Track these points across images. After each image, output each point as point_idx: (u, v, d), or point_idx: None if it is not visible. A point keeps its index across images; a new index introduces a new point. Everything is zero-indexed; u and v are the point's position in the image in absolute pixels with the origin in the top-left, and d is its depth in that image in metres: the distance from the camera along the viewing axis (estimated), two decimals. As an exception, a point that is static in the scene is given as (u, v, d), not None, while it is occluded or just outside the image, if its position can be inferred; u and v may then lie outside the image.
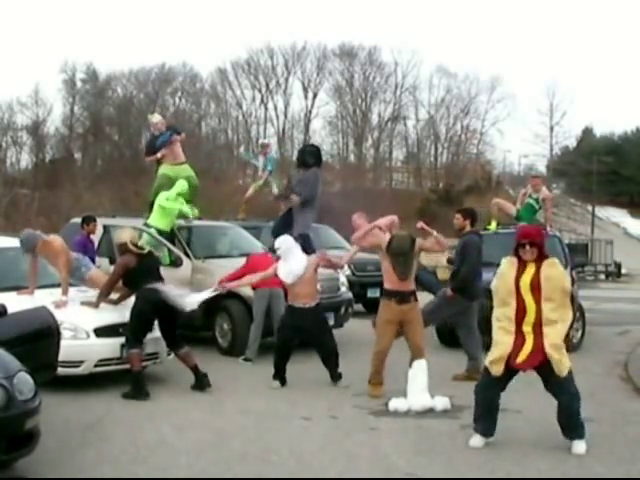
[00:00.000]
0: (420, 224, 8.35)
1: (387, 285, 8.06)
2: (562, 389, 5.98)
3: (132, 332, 7.97)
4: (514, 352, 5.91)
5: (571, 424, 6.07)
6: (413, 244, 7.92)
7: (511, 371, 6.06)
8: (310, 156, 10.66)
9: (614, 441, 6.49)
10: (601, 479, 5.61)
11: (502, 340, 5.96)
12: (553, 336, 5.84)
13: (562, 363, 5.91)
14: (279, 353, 8.58)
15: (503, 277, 6.03)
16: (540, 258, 5.97)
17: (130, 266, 8.18)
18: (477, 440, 6.19)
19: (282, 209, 11.68)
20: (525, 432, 6.66)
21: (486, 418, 6.16)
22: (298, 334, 8.60)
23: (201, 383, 8.15)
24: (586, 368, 9.69)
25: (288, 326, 8.54)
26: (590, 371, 9.70)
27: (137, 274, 8.17)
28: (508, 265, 6.05)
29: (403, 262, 7.85)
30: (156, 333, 8.17)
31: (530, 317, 5.88)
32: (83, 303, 8.30)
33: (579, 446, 6.04)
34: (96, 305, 8.27)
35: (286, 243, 8.62)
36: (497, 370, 5.99)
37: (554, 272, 5.92)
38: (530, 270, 5.93)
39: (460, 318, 9.17)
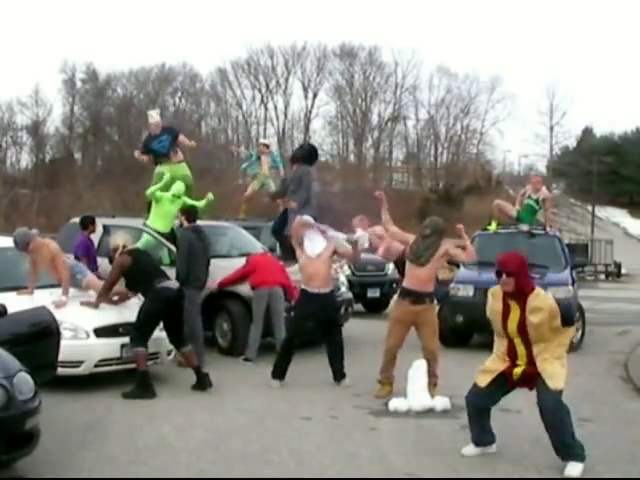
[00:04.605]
0: (460, 227, 8.07)
1: (404, 283, 8.00)
2: (547, 395, 5.56)
3: (139, 330, 7.95)
4: (507, 371, 5.78)
5: (561, 443, 5.62)
6: (442, 230, 7.87)
7: (504, 385, 5.86)
8: (301, 153, 11.01)
9: (614, 441, 6.49)
10: (601, 479, 5.61)
11: (496, 360, 5.84)
12: (544, 362, 5.62)
13: (556, 375, 5.60)
14: (284, 349, 8.53)
15: (491, 314, 5.82)
16: (522, 291, 5.61)
17: (126, 266, 8.17)
18: (470, 449, 6.01)
19: (280, 209, 11.71)
20: (525, 432, 6.64)
21: (476, 427, 5.99)
22: (306, 327, 8.57)
23: (202, 383, 8.15)
24: (586, 368, 9.69)
25: (302, 318, 8.52)
26: (590, 371, 9.70)
27: (137, 274, 8.17)
28: (492, 300, 5.80)
29: (425, 246, 7.76)
30: (156, 333, 8.17)
31: (522, 357, 5.72)
32: (83, 303, 8.31)
33: (573, 468, 5.57)
34: (95, 305, 8.28)
35: (309, 221, 8.69)
36: (481, 380, 5.85)
37: (539, 318, 5.56)
38: (515, 314, 5.64)
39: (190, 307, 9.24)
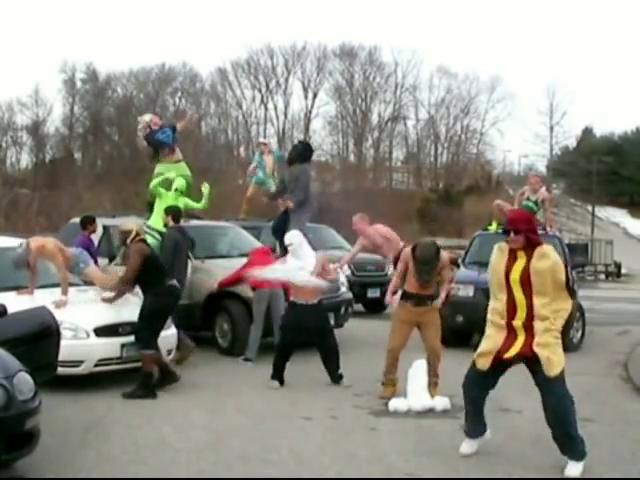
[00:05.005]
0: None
1: (406, 287, 7.98)
2: (549, 388, 5.55)
3: (149, 330, 7.91)
4: (504, 348, 5.61)
5: (564, 434, 5.57)
6: (438, 252, 7.79)
7: (500, 367, 5.74)
8: (295, 153, 11.08)
9: (614, 441, 6.49)
10: (601, 479, 5.61)
11: (492, 335, 5.68)
12: (543, 335, 5.49)
13: (551, 361, 5.48)
14: (280, 354, 8.56)
15: (494, 268, 5.72)
16: (531, 245, 5.59)
17: (144, 255, 8.08)
18: (466, 446, 5.95)
19: (281, 208, 11.70)
20: (525, 432, 6.65)
21: (471, 416, 5.91)
22: (300, 334, 8.59)
23: (163, 379, 8.08)
24: (586, 368, 9.70)
25: (290, 326, 8.53)
26: (590, 371, 9.70)
27: (148, 269, 8.08)
28: (498, 253, 5.72)
29: (427, 270, 7.74)
30: None
31: (521, 313, 5.56)
32: (104, 299, 8.32)
33: (572, 468, 5.53)
34: (118, 296, 8.30)
35: (297, 238, 8.64)
36: (483, 364, 5.71)
37: (544, 265, 5.51)
38: (520, 263, 5.57)
39: None
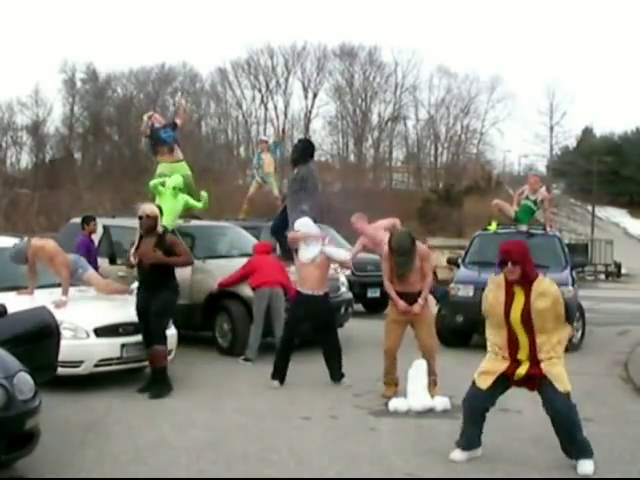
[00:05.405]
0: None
1: (396, 287, 7.93)
2: (560, 400, 5.58)
3: (164, 328, 7.96)
4: (509, 371, 5.67)
5: (572, 438, 5.65)
6: (413, 242, 7.78)
7: (502, 385, 5.77)
8: (297, 154, 10.94)
9: (614, 441, 6.49)
10: (601, 479, 5.61)
11: (495, 360, 5.71)
12: (549, 361, 5.57)
13: (562, 378, 5.60)
14: (282, 351, 8.54)
15: (491, 305, 5.67)
16: (527, 279, 5.53)
17: None
18: (457, 454, 5.87)
19: (279, 208, 11.71)
20: (525, 432, 6.65)
21: (469, 430, 5.86)
22: (304, 324, 8.56)
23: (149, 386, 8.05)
24: (586, 368, 9.69)
25: (295, 317, 8.52)
26: (590, 371, 9.70)
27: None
28: (494, 288, 5.68)
29: (405, 262, 7.71)
30: None
31: (524, 349, 5.60)
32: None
33: (586, 466, 5.60)
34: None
35: (307, 226, 8.62)
36: (483, 383, 5.73)
37: (545, 304, 5.46)
38: (519, 301, 5.53)
39: None
